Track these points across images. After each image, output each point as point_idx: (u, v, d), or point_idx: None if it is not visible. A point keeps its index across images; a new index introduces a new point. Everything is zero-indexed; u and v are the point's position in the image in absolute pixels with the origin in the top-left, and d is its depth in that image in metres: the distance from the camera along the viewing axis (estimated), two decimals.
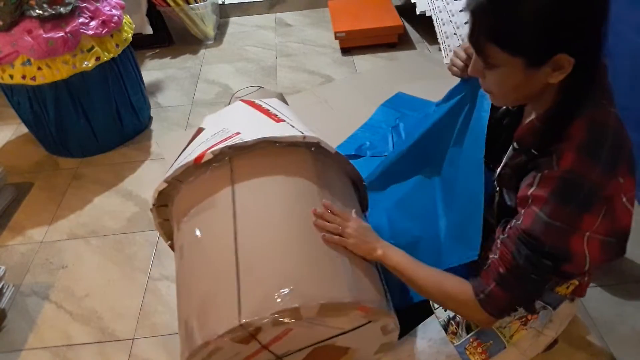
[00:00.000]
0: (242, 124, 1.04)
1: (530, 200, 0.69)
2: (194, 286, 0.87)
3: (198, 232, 0.92)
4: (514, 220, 0.72)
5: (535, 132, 0.72)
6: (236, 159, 0.97)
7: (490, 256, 0.76)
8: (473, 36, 0.68)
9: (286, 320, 0.75)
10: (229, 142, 0.95)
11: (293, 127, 1.01)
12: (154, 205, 1.06)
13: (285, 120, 1.05)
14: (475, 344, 0.91)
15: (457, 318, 0.94)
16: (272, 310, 0.74)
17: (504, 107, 0.88)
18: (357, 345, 0.90)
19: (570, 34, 0.62)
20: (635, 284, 1.36)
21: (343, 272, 0.82)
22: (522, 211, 0.70)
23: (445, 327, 0.94)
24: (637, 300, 1.32)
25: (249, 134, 0.96)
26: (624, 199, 0.67)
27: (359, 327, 0.83)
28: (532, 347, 0.92)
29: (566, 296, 0.90)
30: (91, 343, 1.38)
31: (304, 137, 0.97)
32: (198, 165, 0.96)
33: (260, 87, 1.43)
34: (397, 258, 0.87)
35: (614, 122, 0.68)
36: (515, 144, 0.74)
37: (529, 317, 0.89)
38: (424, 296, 0.87)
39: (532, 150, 0.72)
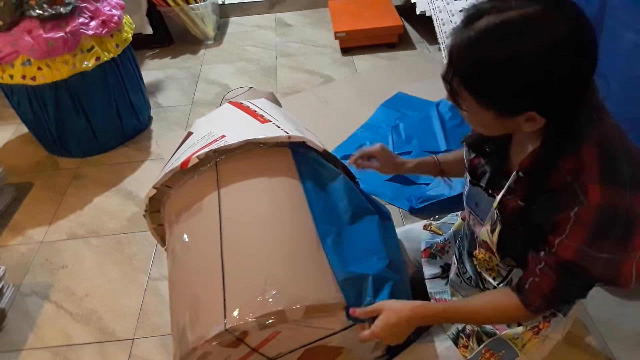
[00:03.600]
0: (228, 127, 1.03)
1: (565, 235, 0.67)
2: (183, 291, 0.87)
3: (186, 237, 0.92)
4: (546, 247, 0.71)
5: (541, 160, 0.69)
6: (222, 162, 0.97)
7: (530, 279, 0.75)
8: (447, 75, 0.66)
9: (272, 323, 0.75)
10: (214, 146, 0.94)
11: (279, 127, 1.01)
12: (146, 211, 1.07)
13: (271, 121, 1.04)
14: (487, 355, 0.91)
15: (467, 331, 0.93)
16: (258, 313, 0.74)
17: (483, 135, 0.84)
18: (350, 345, 0.90)
19: (541, 96, 0.61)
20: (635, 284, 1.35)
21: (329, 273, 0.81)
22: (556, 241, 0.69)
23: (455, 341, 0.94)
24: (637, 300, 1.32)
25: (233, 137, 0.96)
26: None
27: (350, 327, 0.83)
28: (539, 352, 0.92)
29: (574, 302, 0.90)
30: (91, 343, 1.38)
31: (289, 137, 0.96)
32: (185, 171, 0.96)
33: (251, 87, 1.43)
34: (441, 313, 0.84)
35: (617, 132, 0.68)
36: (520, 173, 0.71)
37: (541, 326, 0.89)
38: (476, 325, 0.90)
39: (540, 180, 0.69)
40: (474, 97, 0.65)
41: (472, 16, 0.62)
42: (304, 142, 0.99)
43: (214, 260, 0.83)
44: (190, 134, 1.11)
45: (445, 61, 0.67)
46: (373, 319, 0.82)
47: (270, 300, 0.75)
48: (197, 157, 0.94)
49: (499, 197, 0.76)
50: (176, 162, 0.97)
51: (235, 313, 0.75)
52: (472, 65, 0.62)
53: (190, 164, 0.94)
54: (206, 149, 0.94)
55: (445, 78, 0.67)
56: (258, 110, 1.10)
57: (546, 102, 0.62)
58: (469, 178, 0.86)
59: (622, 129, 0.69)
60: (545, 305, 0.77)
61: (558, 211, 0.67)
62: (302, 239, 0.86)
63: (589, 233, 0.65)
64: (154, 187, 1.00)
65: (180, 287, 0.89)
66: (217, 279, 0.80)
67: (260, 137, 0.96)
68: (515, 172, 0.73)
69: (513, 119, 0.65)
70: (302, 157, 0.99)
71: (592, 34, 0.59)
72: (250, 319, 0.74)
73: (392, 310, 0.80)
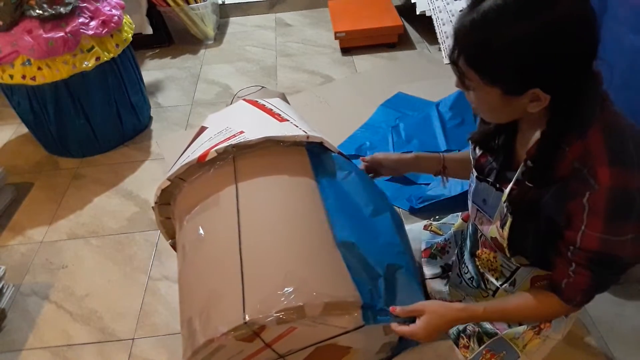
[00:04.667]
0: (246, 123, 1.04)
1: (584, 226, 0.67)
2: (197, 285, 0.87)
3: (201, 231, 0.92)
4: (570, 247, 0.71)
5: (546, 143, 0.70)
6: (240, 157, 0.98)
7: (564, 280, 0.75)
8: (453, 56, 0.68)
9: (291, 318, 0.75)
10: (233, 141, 0.95)
11: (297, 126, 1.02)
12: (156, 203, 1.06)
13: (288, 120, 1.05)
14: (488, 355, 0.90)
15: (467, 331, 0.93)
16: (277, 308, 0.74)
17: (489, 130, 0.84)
18: (358, 345, 0.90)
19: (544, 73, 0.62)
20: (635, 284, 1.36)
21: (346, 272, 0.82)
22: (578, 236, 0.69)
23: (456, 341, 0.94)
24: (637, 300, 1.32)
25: (252, 133, 0.96)
26: None
27: (362, 326, 0.83)
28: (539, 352, 0.92)
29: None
30: (91, 343, 1.38)
31: (308, 136, 0.97)
32: (202, 164, 0.96)
33: (263, 87, 1.43)
34: (483, 315, 0.83)
35: (621, 118, 0.68)
36: (529, 162, 0.72)
37: (542, 325, 0.89)
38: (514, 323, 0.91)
39: (548, 168, 0.70)
40: (480, 76, 0.66)
41: (476, 0, 0.63)
42: (320, 143, 1.00)
43: (232, 253, 0.83)
44: (204, 128, 1.11)
45: (448, 47, 0.68)
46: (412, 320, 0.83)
47: (290, 295, 0.75)
48: (216, 150, 0.94)
49: (507, 190, 0.76)
50: (192, 155, 0.97)
51: (255, 307, 0.75)
52: (477, 46, 0.63)
53: (208, 158, 0.94)
54: (225, 144, 0.95)
55: (451, 59, 0.68)
56: (274, 109, 1.10)
57: (550, 79, 0.63)
58: (475, 174, 0.86)
59: (625, 116, 0.69)
60: (586, 298, 0.77)
61: (569, 199, 0.68)
62: (318, 237, 0.86)
63: (606, 218, 0.65)
64: (168, 179, 1.00)
65: (193, 281, 0.89)
66: (236, 272, 0.80)
67: (280, 135, 0.96)
68: (522, 163, 0.73)
69: (518, 98, 0.66)
70: (317, 157, 1.00)
71: (593, 13, 0.61)
72: (270, 313, 0.74)
73: (436, 313, 0.81)
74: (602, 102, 0.68)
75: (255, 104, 1.14)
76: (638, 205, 0.64)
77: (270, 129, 1.00)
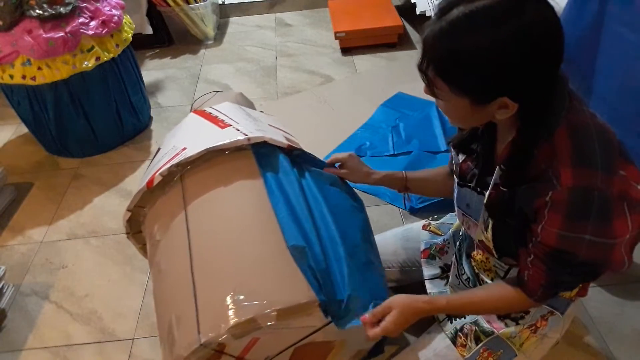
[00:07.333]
0: (189, 138, 1.02)
1: (545, 221, 0.69)
2: (162, 309, 0.88)
3: (160, 257, 0.93)
4: (533, 238, 0.73)
5: (517, 149, 0.71)
6: (186, 175, 0.97)
7: (525, 272, 0.77)
8: (422, 66, 0.68)
9: (246, 331, 0.75)
10: (175, 161, 0.93)
11: (238, 130, 0.98)
12: (128, 233, 1.07)
13: (231, 125, 1.02)
14: (485, 354, 0.91)
15: (465, 330, 0.93)
16: (229, 324, 0.74)
17: (467, 134, 0.85)
18: (339, 337, 0.89)
19: (511, 81, 0.63)
20: (635, 284, 1.35)
21: (299, 273, 0.81)
22: (539, 228, 0.70)
23: (454, 340, 0.94)
24: (637, 300, 1.32)
25: (193, 148, 0.94)
26: (638, 186, 0.67)
27: (330, 322, 0.82)
28: (537, 351, 0.92)
29: (572, 299, 0.91)
30: (91, 343, 1.38)
31: (249, 139, 0.94)
32: (152, 189, 0.96)
33: (218, 91, 1.40)
34: (446, 307, 0.85)
35: (591, 118, 0.69)
36: (501, 166, 0.73)
37: (539, 324, 0.89)
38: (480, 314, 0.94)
39: (519, 171, 0.71)
40: (448, 85, 0.66)
41: (444, 8, 0.64)
42: (264, 142, 0.97)
43: (185, 277, 0.83)
44: (159, 149, 1.11)
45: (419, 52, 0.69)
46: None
47: (240, 309, 0.75)
48: (160, 174, 0.93)
49: (487, 193, 0.77)
50: (142, 182, 0.97)
51: (208, 327, 0.75)
52: (445, 55, 0.64)
53: (155, 183, 0.94)
54: (167, 165, 0.94)
55: (420, 68, 0.69)
56: (220, 116, 1.07)
57: (517, 87, 0.64)
58: (456, 181, 0.87)
59: (596, 115, 0.70)
60: (546, 293, 0.78)
61: (536, 197, 0.69)
62: (267, 245, 0.85)
63: (565, 216, 0.66)
64: (128, 210, 1.00)
65: (159, 305, 0.90)
66: (189, 296, 0.81)
67: (218, 144, 0.94)
68: (497, 167, 0.74)
69: (487, 106, 0.67)
70: (266, 157, 0.97)
71: (557, 21, 0.62)
72: (222, 331, 0.74)
73: (403, 306, 0.82)
74: (569, 103, 0.68)
75: (202, 114, 1.11)
76: (597, 205, 0.65)
77: (211, 138, 0.97)
